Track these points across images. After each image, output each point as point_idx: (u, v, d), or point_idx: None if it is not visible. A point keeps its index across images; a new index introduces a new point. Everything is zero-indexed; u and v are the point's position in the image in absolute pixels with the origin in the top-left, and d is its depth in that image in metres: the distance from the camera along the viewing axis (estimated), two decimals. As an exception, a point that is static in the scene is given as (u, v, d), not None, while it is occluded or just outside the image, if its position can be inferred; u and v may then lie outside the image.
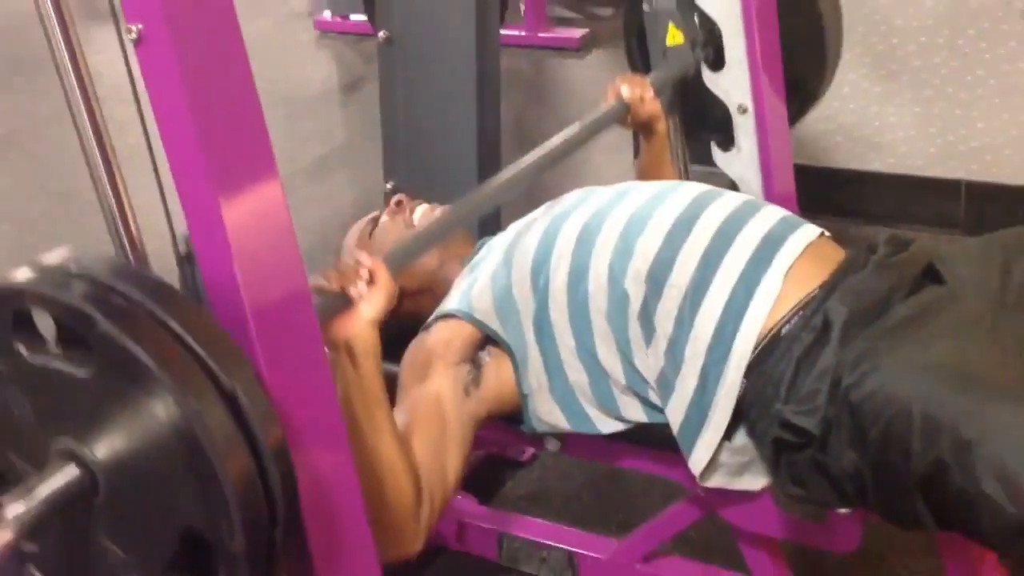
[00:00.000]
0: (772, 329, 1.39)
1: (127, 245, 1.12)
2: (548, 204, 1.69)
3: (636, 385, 1.48)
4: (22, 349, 0.97)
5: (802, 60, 2.22)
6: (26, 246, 3.28)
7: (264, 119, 1.02)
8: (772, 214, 1.52)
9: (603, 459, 1.67)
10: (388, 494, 1.34)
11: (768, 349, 1.38)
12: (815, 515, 1.50)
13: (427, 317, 1.60)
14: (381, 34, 2.20)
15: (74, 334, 0.94)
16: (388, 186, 2.32)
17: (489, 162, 2.24)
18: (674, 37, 2.12)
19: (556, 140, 1.76)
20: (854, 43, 2.90)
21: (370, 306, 1.30)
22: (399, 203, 1.77)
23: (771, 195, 2.09)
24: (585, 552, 1.85)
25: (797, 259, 1.43)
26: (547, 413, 1.55)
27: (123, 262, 1.12)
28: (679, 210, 1.50)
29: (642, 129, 1.91)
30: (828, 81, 2.36)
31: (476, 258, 1.68)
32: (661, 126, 1.91)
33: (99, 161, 1.09)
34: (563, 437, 1.62)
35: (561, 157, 1.75)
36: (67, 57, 1.06)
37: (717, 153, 2.14)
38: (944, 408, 1.18)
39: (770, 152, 2.07)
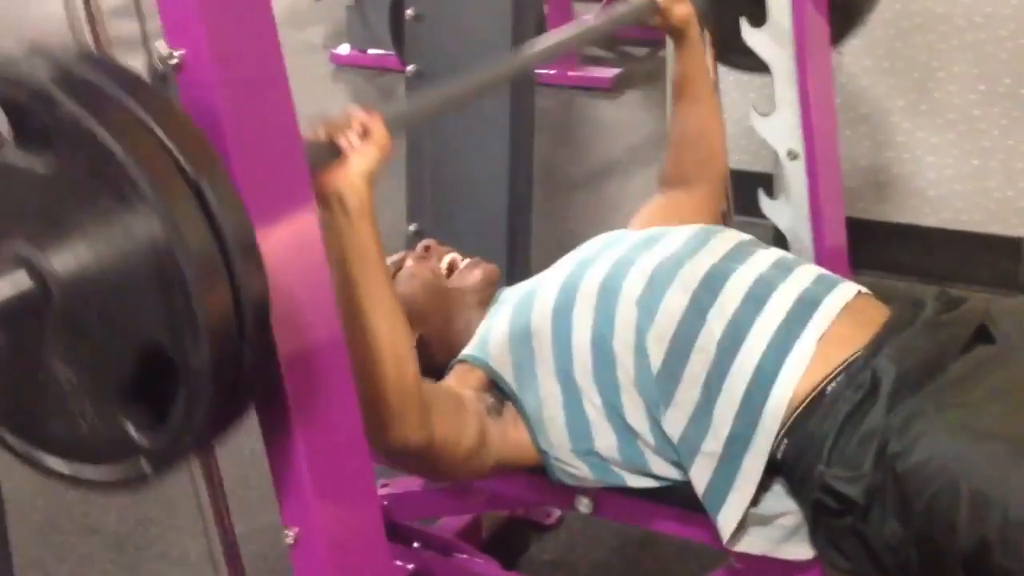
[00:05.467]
0: (813, 389, 1.41)
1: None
2: (575, 250, 1.71)
3: (665, 448, 1.50)
4: None
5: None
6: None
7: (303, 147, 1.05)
8: (807, 273, 1.53)
9: (636, 522, 1.67)
10: (386, 364, 1.29)
11: (811, 408, 1.40)
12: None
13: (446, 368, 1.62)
14: (410, 68, 2.23)
15: (33, 125, 0.89)
16: (411, 228, 2.33)
17: (520, 205, 2.26)
18: None
19: (568, 31, 1.72)
20: (908, 89, 2.93)
21: (363, 159, 1.23)
22: (427, 248, 1.78)
23: (821, 247, 2.11)
24: (615, 624, 1.88)
25: (834, 321, 1.45)
26: (572, 467, 1.55)
27: (89, 49, 1.05)
28: (709, 265, 1.52)
29: (672, 33, 1.86)
30: None
31: (497, 304, 1.71)
32: (694, 31, 1.86)
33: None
34: (594, 497, 1.63)
35: (568, 48, 1.72)
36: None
37: (764, 200, 2.16)
38: (992, 485, 1.21)
39: (821, 201, 2.08)
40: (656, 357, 1.48)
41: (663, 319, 1.48)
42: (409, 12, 2.18)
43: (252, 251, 0.91)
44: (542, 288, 1.61)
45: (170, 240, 0.86)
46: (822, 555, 1.42)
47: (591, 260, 1.60)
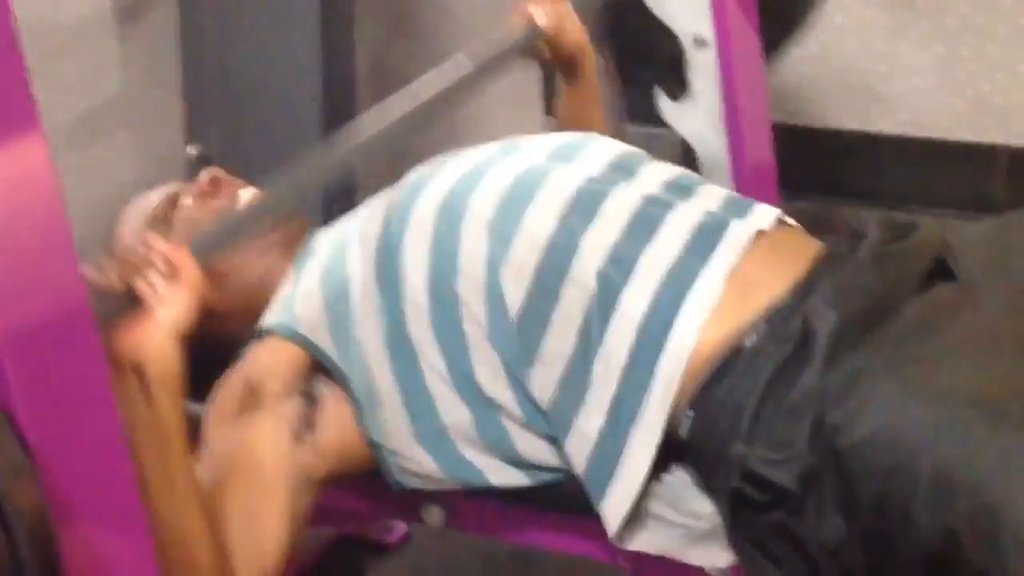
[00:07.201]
0: (725, 343, 1.43)
1: None
2: (407, 175, 1.71)
3: (535, 419, 1.52)
4: None
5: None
6: None
7: (23, 59, 1.02)
8: (712, 194, 1.58)
9: (504, 535, 1.69)
10: (180, 571, 1.36)
11: (723, 368, 1.42)
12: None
13: (246, 342, 1.61)
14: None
15: None
16: (192, 152, 2.31)
17: (338, 118, 2.25)
18: None
19: (436, 83, 1.77)
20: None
21: (170, 309, 1.29)
22: (214, 182, 1.75)
23: (740, 162, 2.14)
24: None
25: (746, 253, 1.48)
26: (414, 463, 1.57)
27: None
28: (584, 179, 1.55)
29: (562, 68, 1.96)
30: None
31: (306, 253, 1.72)
32: (589, 63, 1.96)
33: None
34: (448, 504, 1.65)
35: (443, 109, 1.78)
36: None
37: (665, 104, 2.19)
38: (960, 461, 1.24)
39: (739, 102, 2.11)
40: (515, 296, 1.49)
41: (523, 245, 1.50)
42: None
43: (42, 528, 0.98)
44: (362, 224, 1.63)
45: None
46: (742, 561, 1.44)
47: (425, 180, 1.61)
